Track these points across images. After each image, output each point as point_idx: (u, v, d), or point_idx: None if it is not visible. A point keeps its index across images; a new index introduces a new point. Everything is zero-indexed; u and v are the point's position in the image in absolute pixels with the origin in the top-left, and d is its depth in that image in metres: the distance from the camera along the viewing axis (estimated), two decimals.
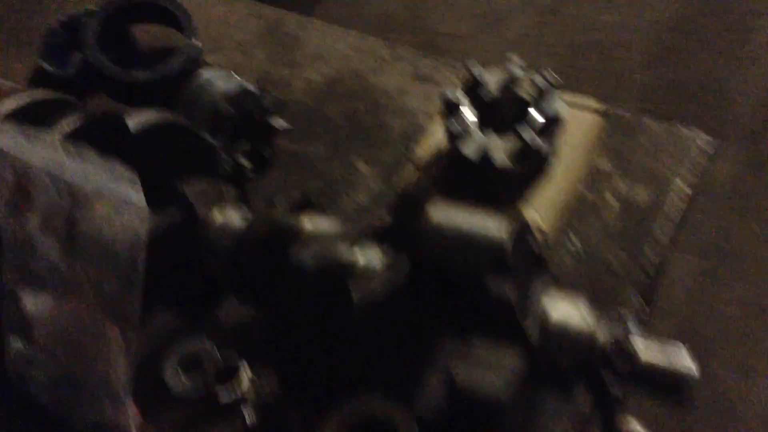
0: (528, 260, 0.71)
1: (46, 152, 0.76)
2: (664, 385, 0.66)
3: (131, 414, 0.78)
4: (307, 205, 0.81)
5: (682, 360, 0.67)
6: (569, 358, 0.67)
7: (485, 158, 0.79)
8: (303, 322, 0.76)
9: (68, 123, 0.78)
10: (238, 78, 0.97)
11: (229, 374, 0.87)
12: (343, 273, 0.72)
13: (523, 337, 0.67)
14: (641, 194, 0.93)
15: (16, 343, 0.79)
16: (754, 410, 1.82)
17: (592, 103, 0.87)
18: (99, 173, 0.73)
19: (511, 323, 0.67)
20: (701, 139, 0.96)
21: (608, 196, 0.94)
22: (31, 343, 0.79)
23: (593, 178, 0.95)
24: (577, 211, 0.93)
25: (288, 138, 1.04)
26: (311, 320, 0.75)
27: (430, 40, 2.35)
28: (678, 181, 0.93)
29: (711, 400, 1.84)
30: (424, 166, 0.85)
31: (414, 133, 1.00)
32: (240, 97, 0.95)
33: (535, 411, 0.72)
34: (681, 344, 0.68)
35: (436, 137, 0.87)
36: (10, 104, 0.84)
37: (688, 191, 0.92)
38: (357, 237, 0.75)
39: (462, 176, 0.83)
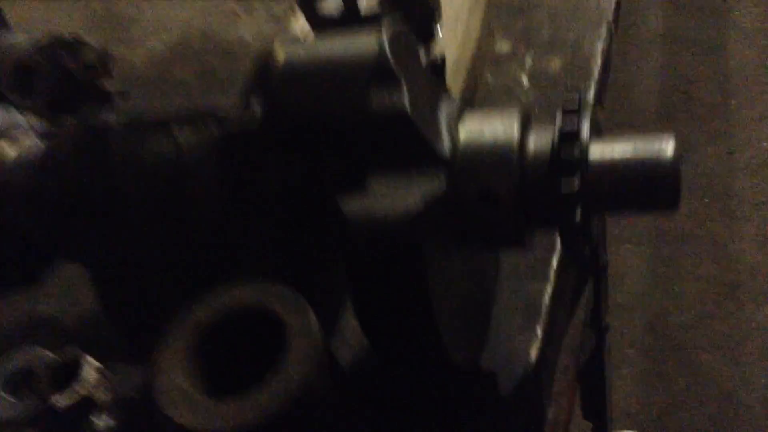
0: (424, 77, 0.53)
1: None
2: (631, 181, 0.47)
3: None
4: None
5: (651, 143, 0.48)
6: (490, 174, 0.47)
7: (349, 8, 0.62)
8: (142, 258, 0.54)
9: None
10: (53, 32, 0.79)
11: (69, 374, 0.64)
12: (169, 157, 0.51)
13: (430, 159, 0.48)
14: (554, 63, 0.79)
15: None
16: (751, 394, 1.63)
17: None
18: None
19: (411, 146, 0.48)
20: None
21: (518, 75, 0.79)
22: None
23: (497, 62, 0.80)
24: (486, 98, 0.77)
25: (132, 103, 0.85)
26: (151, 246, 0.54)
27: None
28: (586, 42, 0.80)
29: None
30: None
31: None
32: (52, 49, 0.77)
33: (463, 250, 0.51)
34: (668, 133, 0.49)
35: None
36: None
37: (600, 46, 0.78)
38: (185, 117, 0.56)
39: None
